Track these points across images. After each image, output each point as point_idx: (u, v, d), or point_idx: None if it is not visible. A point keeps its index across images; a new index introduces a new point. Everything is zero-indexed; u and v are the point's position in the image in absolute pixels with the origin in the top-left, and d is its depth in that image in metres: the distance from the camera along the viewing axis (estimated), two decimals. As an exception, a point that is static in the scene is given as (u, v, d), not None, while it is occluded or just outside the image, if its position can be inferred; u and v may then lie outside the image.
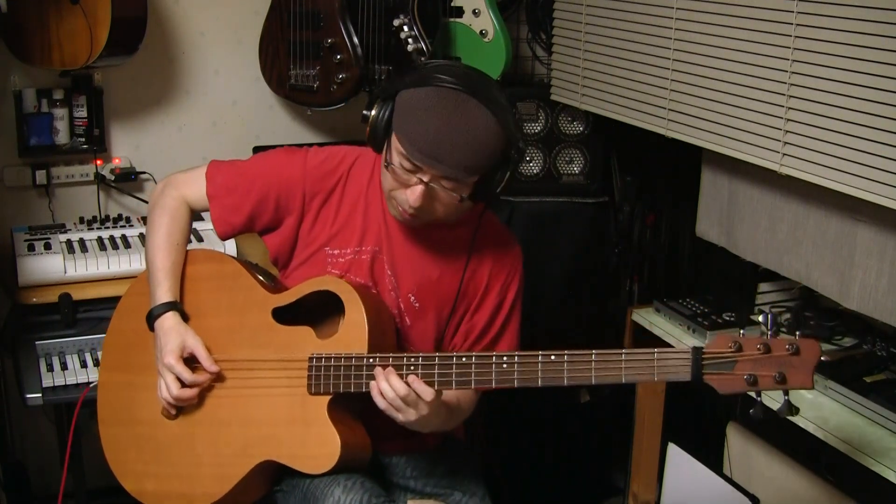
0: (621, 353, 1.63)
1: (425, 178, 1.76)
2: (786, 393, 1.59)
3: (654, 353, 1.62)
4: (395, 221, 1.95)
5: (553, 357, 1.68)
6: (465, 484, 2.02)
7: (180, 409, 1.93)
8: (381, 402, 1.74)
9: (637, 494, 2.79)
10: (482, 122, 1.73)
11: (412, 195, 1.78)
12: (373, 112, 1.82)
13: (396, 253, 1.96)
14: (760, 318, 1.62)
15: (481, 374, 1.73)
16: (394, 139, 1.78)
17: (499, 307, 1.99)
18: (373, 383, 1.75)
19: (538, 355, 1.69)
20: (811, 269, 2.30)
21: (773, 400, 1.64)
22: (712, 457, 2.48)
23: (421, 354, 1.76)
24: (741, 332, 1.62)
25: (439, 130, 1.71)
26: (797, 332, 1.58)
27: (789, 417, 1.62)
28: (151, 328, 1.94)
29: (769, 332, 1.59)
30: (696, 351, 1.59)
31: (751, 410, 1.61)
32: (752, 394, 1.60)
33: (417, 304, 1.97)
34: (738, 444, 2.51)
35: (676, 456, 2.42)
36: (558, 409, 3.13)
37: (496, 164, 1.78)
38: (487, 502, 2.00)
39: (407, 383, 1.72)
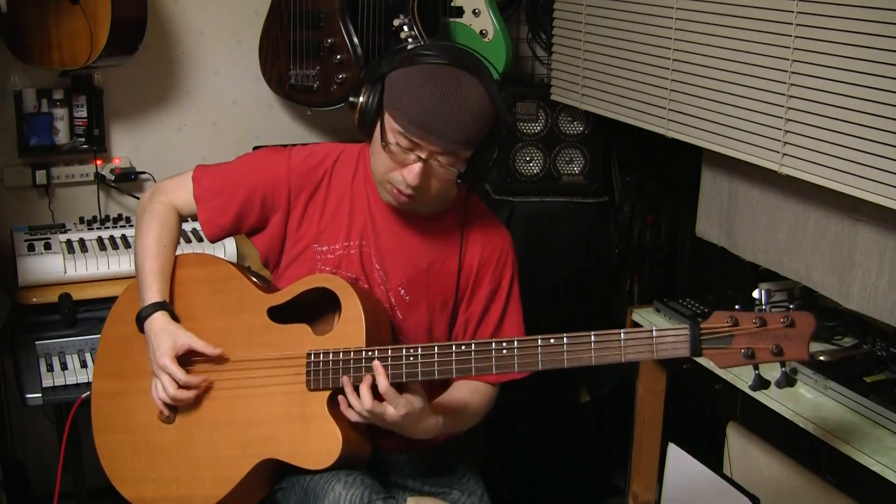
0: (620, 333, 1.65)
1: (423, 155, 1.77)
2: (783, 365, 1.61)
3: (652, 330, 1.63)
4: (380, 215, 1.95)
5: (552, 340, 1.69)
6: (464, 483, 2.02)
7: (175, 410, 1.92)
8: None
9: (637, 494, 2.79)
10: (475, 93, 1.75)
11: (410, 174, 1.79)
12: (361, 97, 1.83)
13: (384, 246, 1.96)
14: (756, 294, 1.63)
15: (481, 361, 1.74)
16: (388, 119, 1.79)
17: (494, 293, 1.99)
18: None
19: (537, 339, 1.70)
20: (811, 269, 2.30)
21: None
22: (712, 457, 2.48)
23: (420, 346, 1.77)
24: (736, 307, 1.63)
25: (435, 103, 1.73)
26: (791, 306, 1.59)
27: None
28: (142, 330, 1.93)
29: (765, 308, 1.60)
30: (694, 327, 1.61)
31: (749, 383, 1.63)
32: (750, 367, 1.61)
33: (408, 298, 1.97)
34: (738, 444, 2.51)
35: (676, 456, 2.42)
36: (558, 408, 3.13)
37: (487, 139, 1.81)
38: (486, 501, 2.00)
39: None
